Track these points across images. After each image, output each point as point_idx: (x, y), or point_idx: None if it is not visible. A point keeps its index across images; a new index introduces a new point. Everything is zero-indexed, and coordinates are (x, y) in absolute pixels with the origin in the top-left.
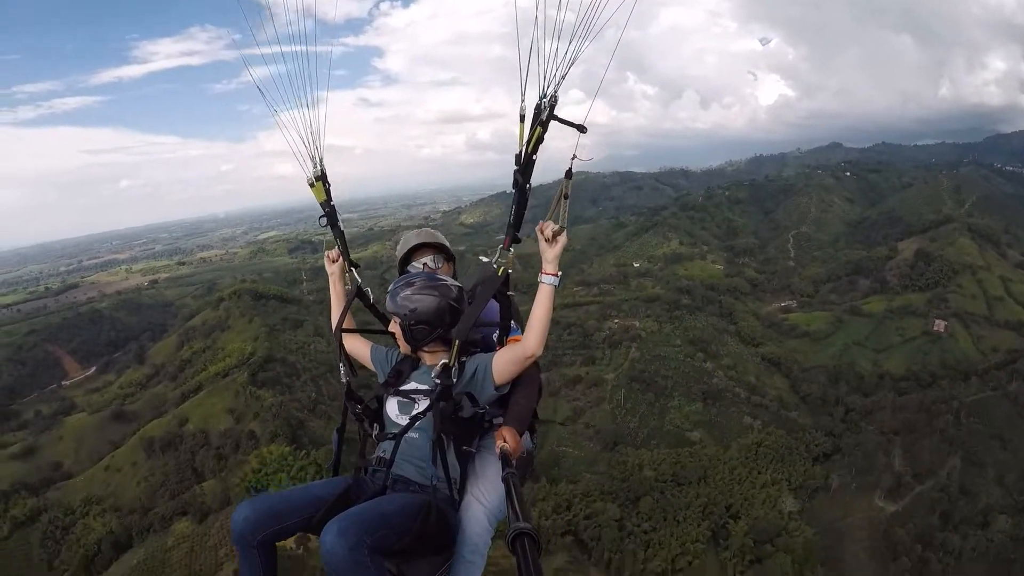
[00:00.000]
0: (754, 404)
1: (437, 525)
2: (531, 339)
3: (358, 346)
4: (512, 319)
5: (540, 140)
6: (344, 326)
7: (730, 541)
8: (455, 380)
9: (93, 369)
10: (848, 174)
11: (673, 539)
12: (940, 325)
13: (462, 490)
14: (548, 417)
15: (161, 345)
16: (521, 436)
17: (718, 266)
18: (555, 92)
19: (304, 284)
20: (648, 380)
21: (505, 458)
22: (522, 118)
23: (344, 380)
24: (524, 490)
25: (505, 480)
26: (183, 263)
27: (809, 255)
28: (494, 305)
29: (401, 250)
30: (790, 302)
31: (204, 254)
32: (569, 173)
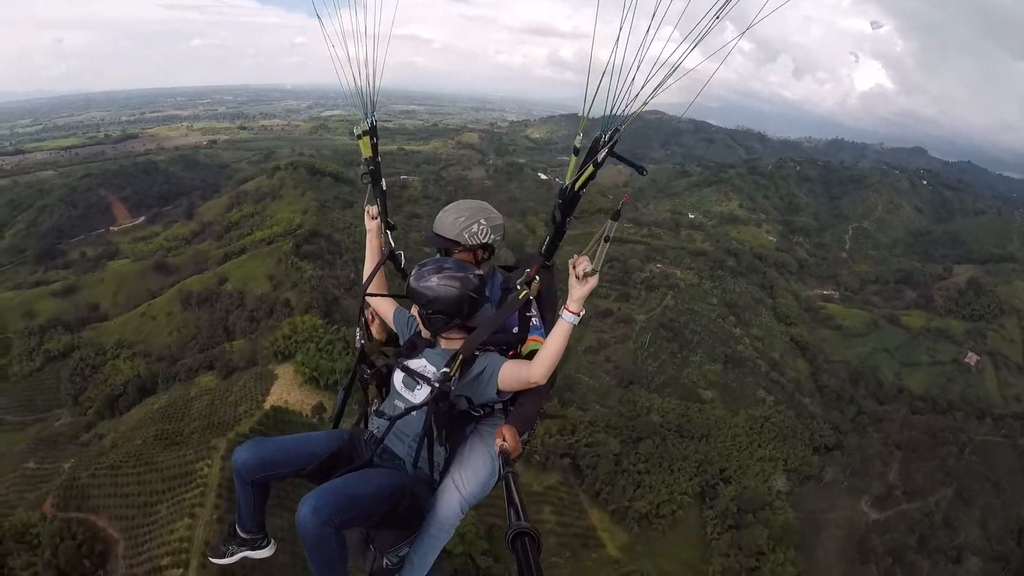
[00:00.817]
0: (772, 380)
1: (408, 509)
2: (538, 369)
3: (383, 305)
4: (538, 319)
5: (591, 178)
6: (372, 288)
7: (716, 502)
8: (455, 381)
9: (142, 219)
10: (925, 183)
11: (663, 486)
12: (972, 358)
13: (444, 472)
14: (571, 345)
15: (211, 204)
16: (522, 436)
17: (771, 238)
18: (620, 129)
19: (362, 167)
20: (676, 330)
21: (505, 457)
22: (576, 151)
23: (359, 344)
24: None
25: (505, 478)
26: (244, 128)
27: (863, 252)
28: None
29: (442, 228)
30: (832, 292)
31: (266, 122)
32: (616, 215)
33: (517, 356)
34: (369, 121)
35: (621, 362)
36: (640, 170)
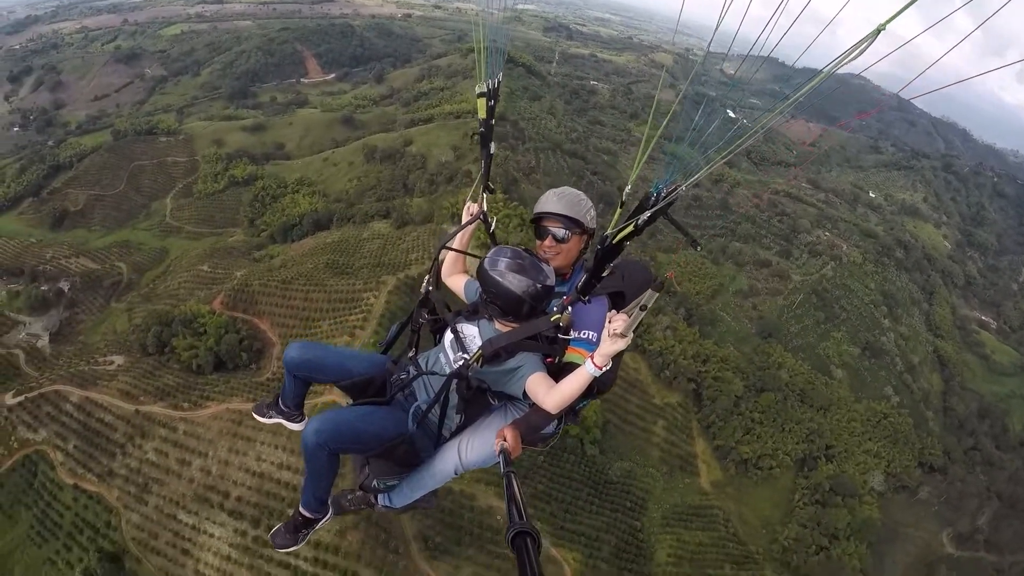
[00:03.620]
0: (903, 382)
1: (405, 454)
2: (551, 400)
3: (457, 279)
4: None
5: (633, 235)
6: (454, 247)
7: (812, 475)
8: (475, 369)
9: (332, 76)
10: None
11: (771, 440)
12: None
13: (456, 433)
14: (723, 282)
15: (401, 72)
16: (525, 442)
17: (947, 243)
18: (680, 190)
19: (553, 65)
20: (827, 301)
21: (505, 456)
22: (622, 204)
23: (423, 290)
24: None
25: (506, 477)
26: (438, 7)
27: None
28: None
29: (561, 206)
30: (991, 321)
31: (461, 5)
32: (660, 287)
33: (555, 364)
34: (488, 84)
35: (766, 314)
36: (694, 243)
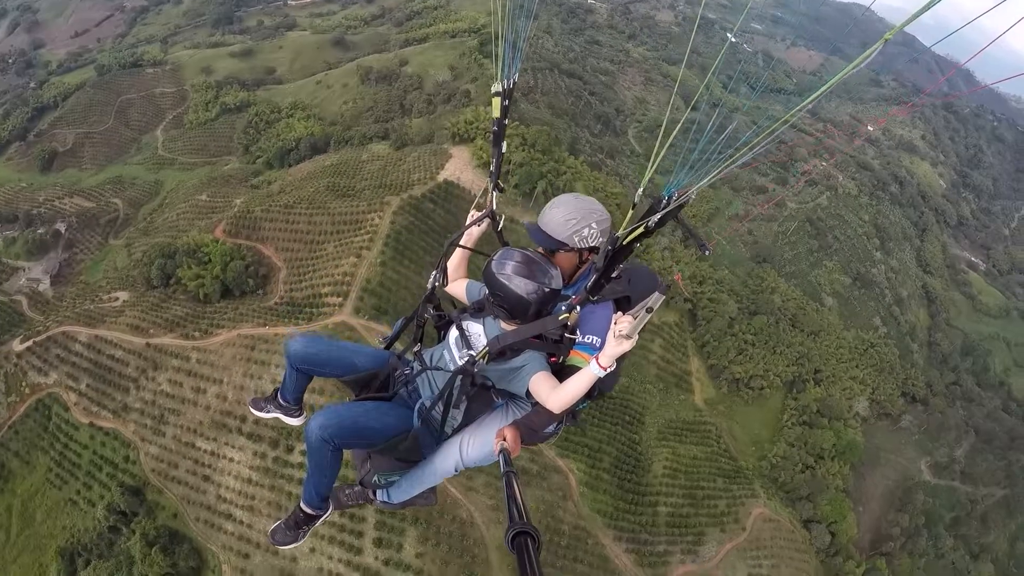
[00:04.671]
0: (891, 314)
1: (407, 449)
2: (555, 401)
3: (458, 285)
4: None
5: (645, 235)
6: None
7: (801, 396)
8: (480, 366)
9: None
10: None
11: (762, 361)
12: None
13: (459, 430)
14: (718, 206)
15: None
16: (524, 442)
17: (942, 182)
18: (690, 196)
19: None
20: (820, 231)
21: (505, 456)
22: (633, 206)
23: (430, 285)
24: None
25: (506, 477)
26: None
27: None
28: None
29: (551, 226)
30: (980, 262)
31: None
32: (666, 289)
33: (559, 364)
34: (503, 84)
35: (761, 239)
36: (703, 248)
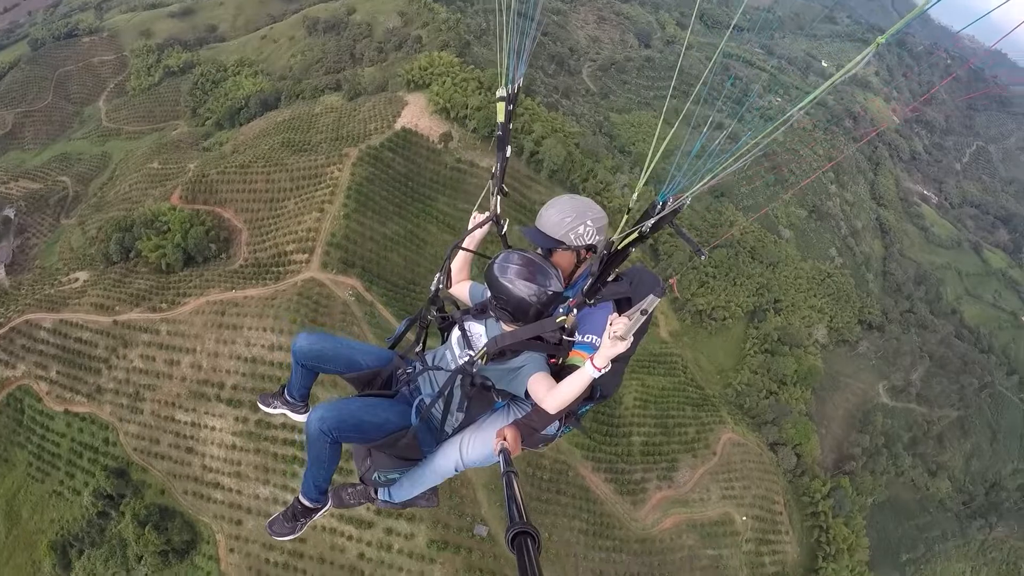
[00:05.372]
0: (846, 244)
1: (406, 447)
2: (551, 402)
3: (461, 287)
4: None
5: (640, 240)
6: (466, 246)
7: (762, 325)
8: (479, 366)
9: None
10: None
11: (724, 293)
12: None
13: (460, 430)
14: (676, 145)
15: None
16: (524, 442)
17: (895, 118)
18: (684, 203)
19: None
20: (776, 164)
21: (505, 456)
22: (628, 211)
23: (434, 287)
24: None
25: (506, 477)
26: None
27: (977, 174)
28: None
29: (547, 226)
30: (932, 195)
31: None
32: (662, 292)
33: (558, 366)
34: (507, 88)
35: (717, 172)
36: (698, 251)
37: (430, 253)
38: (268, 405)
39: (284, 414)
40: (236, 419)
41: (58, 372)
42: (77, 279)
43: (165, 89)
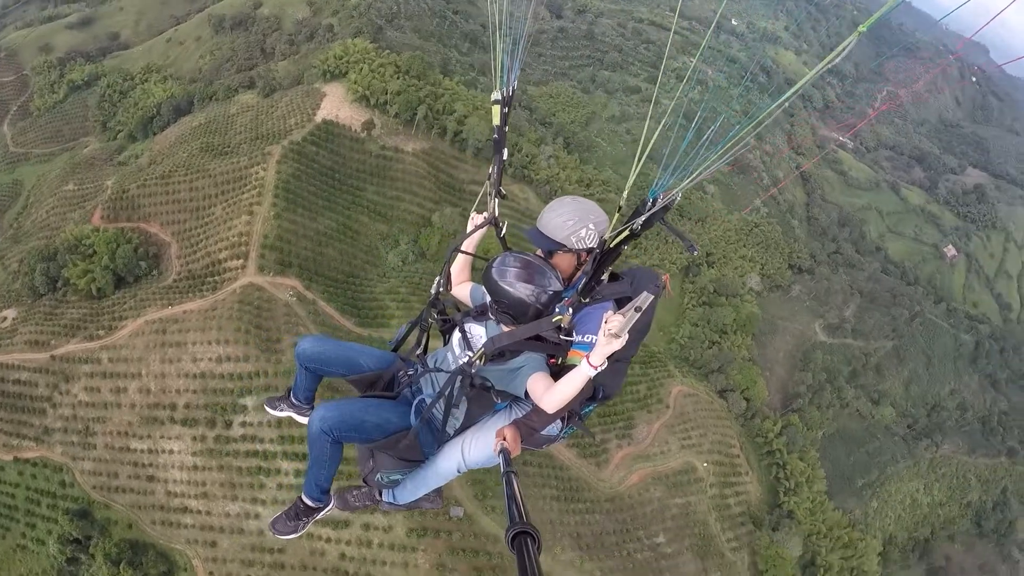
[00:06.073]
0: (770, 196)
1: (407, 448)
2: (549, 401)
3: (462, 288)
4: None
5: (632, 238)
6: (466, 249)
7: (697, 279)
8: (478, 367)
9: None
10: (975, 80)
11: (656, 251)
12: (951, 251)
13: (461, 431)
14: (595, 110)
15: None
16: (525, 442)
17: (807, 69)
18: (675, 199)
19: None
20: (692, 118)
21: (505, 456)
22: (619, 209)
23: (434, 290)
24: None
25: (506, 477)
26: None
27: (889, 117)
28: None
29: (548, 228)
30: (848, 141)
31: None
32: (657, 289)
33: (558, 366)
34: (502, 91)
35: (638, 136)
36: (690, 247)
37: (364, 244)
38: (275, 408)
39: (290, 416)
40: (194, 438)
41: (0, 419)
42: (5, 318)
43: (71, 105)
